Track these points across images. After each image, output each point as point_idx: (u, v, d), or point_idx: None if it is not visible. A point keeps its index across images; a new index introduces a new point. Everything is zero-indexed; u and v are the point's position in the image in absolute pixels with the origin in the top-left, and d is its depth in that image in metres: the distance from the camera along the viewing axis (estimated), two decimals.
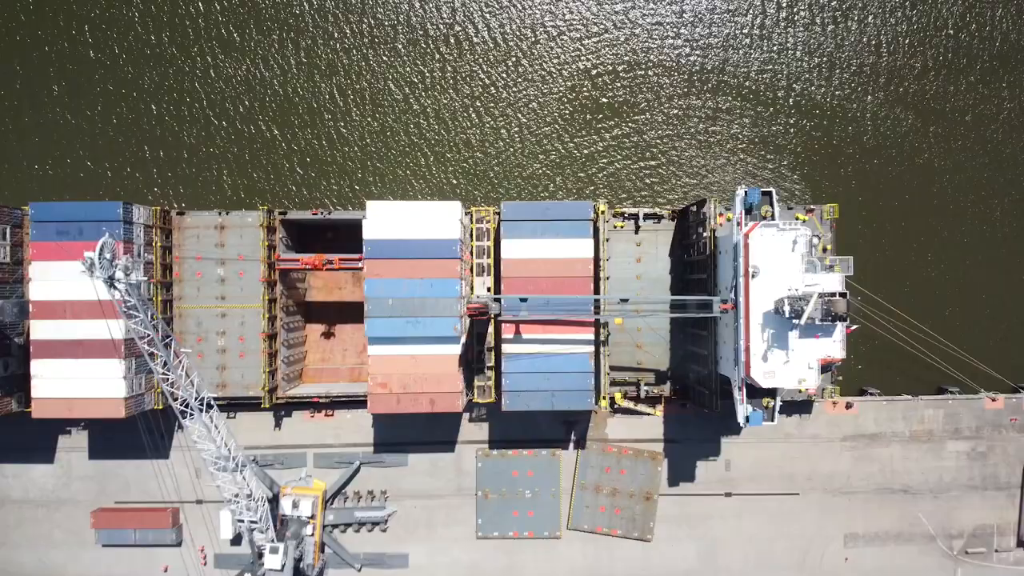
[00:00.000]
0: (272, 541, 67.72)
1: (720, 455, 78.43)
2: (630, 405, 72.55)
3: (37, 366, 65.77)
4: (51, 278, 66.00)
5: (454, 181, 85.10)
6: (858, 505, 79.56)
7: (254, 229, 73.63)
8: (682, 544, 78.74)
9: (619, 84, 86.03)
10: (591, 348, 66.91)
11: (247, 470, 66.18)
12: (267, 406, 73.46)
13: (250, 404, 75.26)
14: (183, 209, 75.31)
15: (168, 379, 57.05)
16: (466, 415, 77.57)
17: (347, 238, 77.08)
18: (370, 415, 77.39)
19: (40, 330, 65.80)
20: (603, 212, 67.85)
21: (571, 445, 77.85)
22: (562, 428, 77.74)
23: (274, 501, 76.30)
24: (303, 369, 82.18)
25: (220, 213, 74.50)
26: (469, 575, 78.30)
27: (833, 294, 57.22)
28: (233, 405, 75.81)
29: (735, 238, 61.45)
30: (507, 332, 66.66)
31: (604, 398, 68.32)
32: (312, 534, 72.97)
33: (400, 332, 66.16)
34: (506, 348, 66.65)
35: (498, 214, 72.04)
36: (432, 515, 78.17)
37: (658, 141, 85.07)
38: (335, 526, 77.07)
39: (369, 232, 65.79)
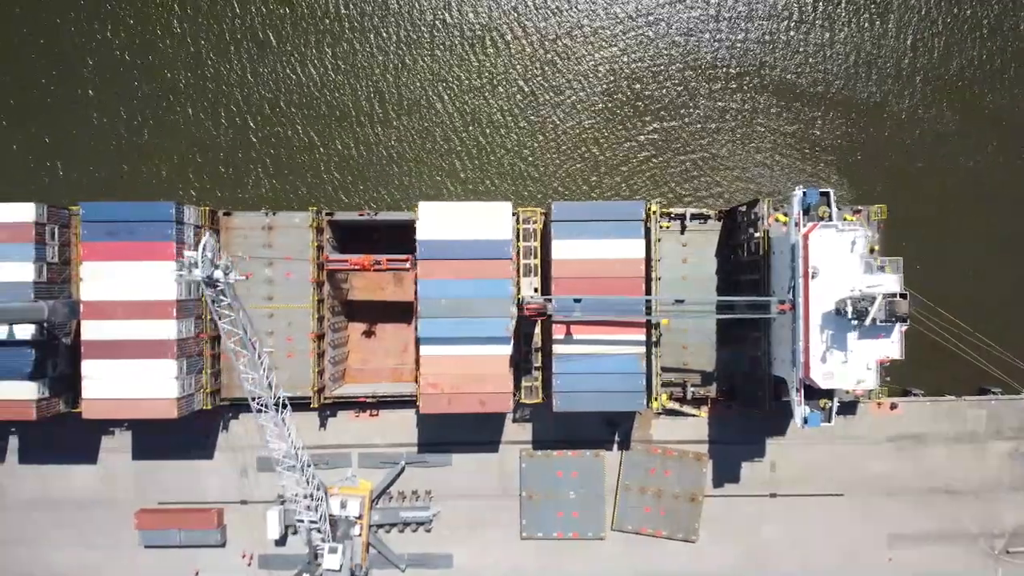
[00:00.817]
0: (329, 541, 67.58)
1: (765, 456, 78.27)
2: (675, 406, 72.39)
3: (88, 366, 65.65)
4: (102, 278, 65.82)
5: (492, 183, 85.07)
6: (902, 506, 79.34)
7: (301, 230, 73.44)
8: (727, 545, 78.56)
9: (656, 84, 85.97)
10: (642, 349, 66.80)
11: (311, 469, 66.18)
12: (316, 406, 73.32)
13: (295, 404, 75.05)
14: (229, 210, 75.12)
15: (251, 378, 57.22)
16: (510, 415, 77.45)
17: (389, 239, 77.43)
18: (414, 415, 77.51)
19: (91, 330, 65.64)
20: (654, 212, 67.64)
21: (615, 446, 77.72)
22: (606, 429, 77.58)
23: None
24: (345, 369, 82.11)
25: (267, 213, 74.41)
26: None
27: (895, 295, 57.05)
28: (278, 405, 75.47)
29: (792, 239, 61.30)
30: (558, 333, 66.54)
31: (655, 399, 68.14)
32: (360, 534, 72.88)
33: (452, 332, 66.21)
34: (557, 349, 66.53)
35: (544, 214, 72.03)
36: (476, 516, 77.99)
37: (697, 141, 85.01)
38: (380, 526, 76.98)
39: (422, 233, 65.77)
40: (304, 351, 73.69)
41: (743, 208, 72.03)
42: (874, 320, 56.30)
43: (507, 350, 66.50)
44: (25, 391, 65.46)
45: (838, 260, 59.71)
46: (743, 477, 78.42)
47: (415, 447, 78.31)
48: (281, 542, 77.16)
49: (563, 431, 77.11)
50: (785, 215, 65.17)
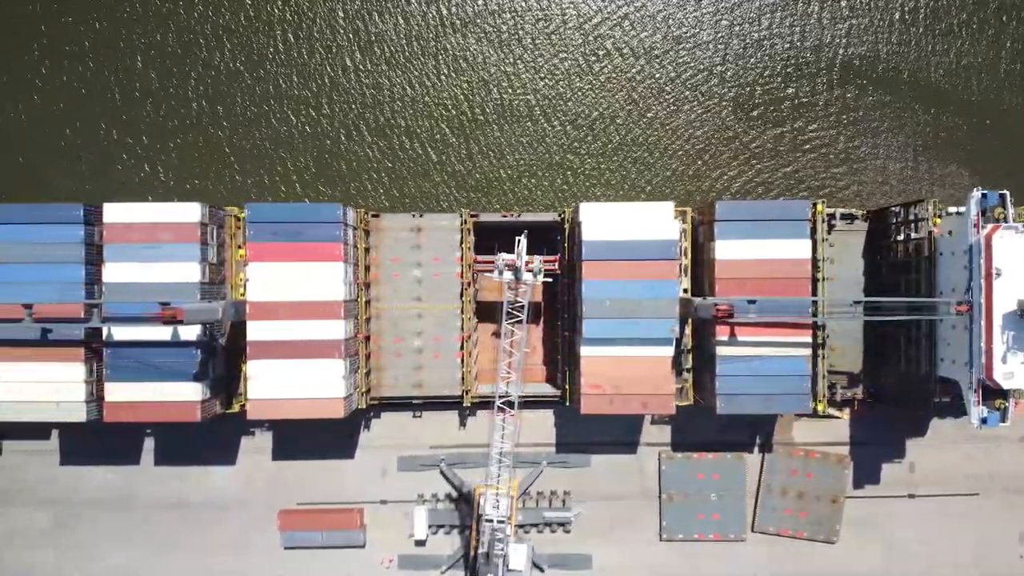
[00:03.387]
0: (509, 541, 67.45)
1: (905, 457, 78.14)
2: (832, 410, 72.25)
3: (254, 367, 65.55)
4: (268, 279, 65.80)
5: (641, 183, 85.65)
6: None
7: (449, 231, 73.52)
8: (865, 545, 78.44)
9: (780, 82, 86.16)
10: (808, 351, 66.63)
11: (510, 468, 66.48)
12: (468, 405, 73.40)
13: (443, 404, 75.45)
14: (378, 212, 75.19)
15: (512, 378, 59.16)
16: (648, 417, 77.37)
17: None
18: (552, 415, 77.60)
19: (257, 331, 65.59)
20: (820, 211, 67.43)
21: (756, 448, 77.60)
22: (746, 431, 77.50)
23: (463, 500, 76.41)
24: (479, 370, 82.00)
25: (414, 215, 74.49)
26: None
27: None
28: (414, 405, 76.46)
29: (971, 239, 61.12)
30: (721, 334, 66.32)
31: (821, 401, 67.94)
32: (510, 534, 72.74)
33: (615, 333, 66.02)
34: (721, 351, 66.31)
35: (694, 215, 71.93)
36: (615, 517, 77.90)
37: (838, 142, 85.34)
38: (521, 526, 76.89)
39: (587, 234, 65.60)
40: (451, 351, 73.80)
41: (896, 208, 71.82)
42: None
43: (669, 351, 66.32)
44: (190, 392, 65.35)
45: (1020, 261, 59.53)
46: (882, 478, 78.32)
47: (553, 447, 78.28)
48: (421, 543, 77.23)
49: (703, 433, 77.03)
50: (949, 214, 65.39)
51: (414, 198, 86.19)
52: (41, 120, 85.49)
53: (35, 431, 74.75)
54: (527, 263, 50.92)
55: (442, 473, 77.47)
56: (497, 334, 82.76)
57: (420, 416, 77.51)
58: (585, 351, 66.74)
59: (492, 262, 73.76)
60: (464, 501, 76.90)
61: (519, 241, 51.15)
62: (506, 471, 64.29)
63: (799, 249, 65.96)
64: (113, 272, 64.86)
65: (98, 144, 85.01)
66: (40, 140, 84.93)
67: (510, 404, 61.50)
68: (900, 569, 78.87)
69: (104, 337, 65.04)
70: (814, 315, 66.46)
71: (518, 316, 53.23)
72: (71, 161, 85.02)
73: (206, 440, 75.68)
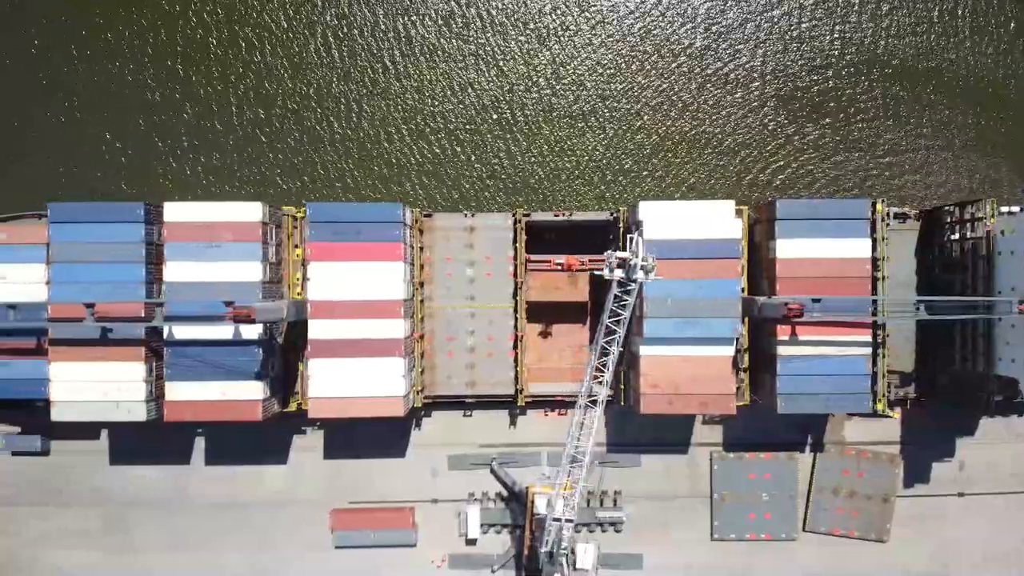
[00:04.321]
0: (575, 540, 67.49)
1: (955, 456, 78.18)
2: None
3: (314, 365, 65.51)
4: (329, 278, 65.76)
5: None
6: None
7: (501, 230, 73.52)
8: (915, 544, 78.40)
9: (826, 82, 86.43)
10: (868, 350, 66.70)
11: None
12: (522, 404, 73.43)
13: (496, 403, 75.51)
14: (429, 211, 75.15)
15: (604, 378, 59.05)
16: (699, 416, 77.34)
17: (561, 239, 77.59)
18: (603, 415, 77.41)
19: (318, 330, 65.53)
20: (881, 211, 67.49)
21: (807, 448, 77.63)
22: (798, 431, 77.50)
23: (513, 499, 76.33)
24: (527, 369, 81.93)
25: (466, 214, 74.44)
26: None
27: None
28: (465, 404, 76.38)
29: None
30: (783, 334, 66.35)
31: (881, 400, 67.99)
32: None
33: (677, 333, 66.01)
34: (782, 350, 66.34)
35: (750, 213, 71.97)
36: (666, 516, 77.80)
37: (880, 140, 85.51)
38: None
39: (649, 232, 65.40)
40: (504, 350, 73.79)
41: (951, 208, 71.91)
42: None
43: (730, 351, 66.43)
44: (252, 391, 65.32)
45: None
46: (932, 477, 78.37)
47: (604, 447, 78.17)
48: (472, 542, 77.17)
49: (754, 433, 77.00)
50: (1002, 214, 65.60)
51: (454, 200, 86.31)
52: (81, 121, 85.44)
53: (85, 431, 74.44)
54: (642, 260, 50.96)
55: (493, 472, 77.38)
56: (544, 334, 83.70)
57: (470, 415, 77.42)
58: (645, 351, 66.75)
59: (549, 260, 74.65)
60: (515, 500, 76.81)
61: (633, 239, 51.42)
62: (582, 470, 63.61)
63: (859, 248, 66.08)
64: (174, 271, 64.82)
65: (138, 146, 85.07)
66: (81, 142, 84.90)
67: (593, 403, 61.23)
68: (950, 568, 78.87)
69: (165, 336, 64.88)
70: (874, 314, 66.44)
71: (622, 315, 53.05)
72: (109, 162, 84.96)
73: (257, 439, 75.35)
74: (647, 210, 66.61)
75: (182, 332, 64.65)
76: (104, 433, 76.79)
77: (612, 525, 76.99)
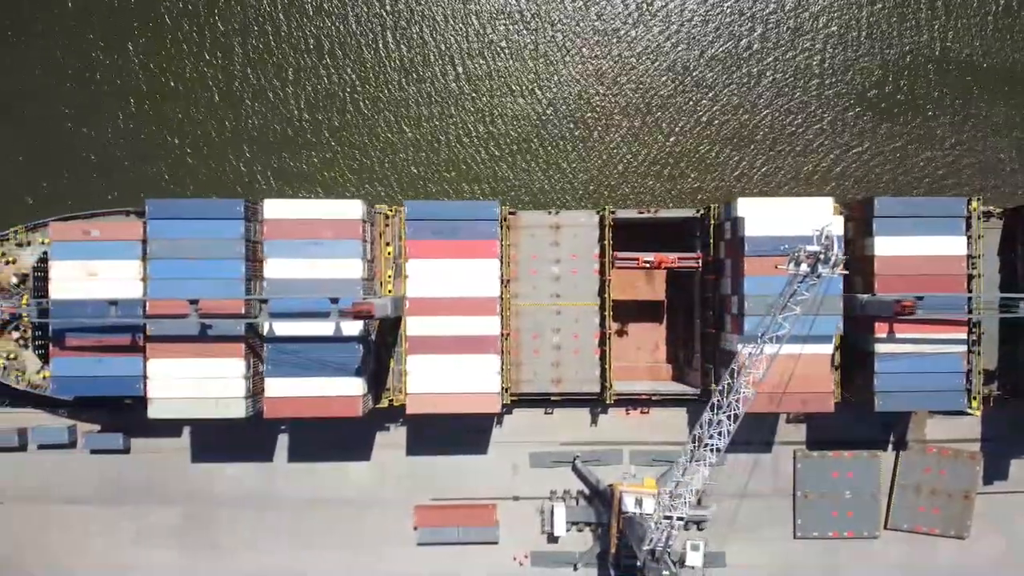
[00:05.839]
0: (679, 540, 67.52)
1: None
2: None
3: (412, 362, 65.60)
4: (426, 275, 65.84)
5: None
6: None
7: (586, 228, 73.59)
8: (995, 541, 78.71)
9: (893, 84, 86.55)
10: (963, 348, 66.84)
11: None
12: (611, 402, 73.46)
13: (580, 401, 75.66)
14: (514, 209, 75.06)
15: (756, 375, 58.96)
16: (783, 416, 77.41)
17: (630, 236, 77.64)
18: (685, 413, 77.47)
19: (415, 327, 65.60)
20: (976, 209, 67.63)
21: (890, 446, 77.78)
22: (880, 429, 77.66)
23: (596, 497, 76.35)
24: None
25: (551, 212, 74.46)
26: (787, 575, 78.20)
27: None
28: (548, 402, 76.22)
29: None
30: (880, 332, 66.46)
31: (975, 398, 68.12)
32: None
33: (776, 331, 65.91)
34: (880, 348, 66.46)
35: (842, 211, 71.91)
36: (749, 514, 77.92)
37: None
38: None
39: (750, 229, 65.67)
40: (589, 348, 73.86)
41: None
42: None
43: (830, 349, 66.55)
44: (353, 387, 65.35)
45: None
46: (1011, 474, 78.58)
47: (603, 447, 77.89)
48: (553, 539, 77.20)
49: (837, 432, 77.06)
50: None
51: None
52: (149, 121, 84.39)
53: (167, 428, 74.61)
54: (833, 256, 50.94)
55: (575, 470, 77.45)
56: (621, 332, 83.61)
57: (552, 413, 77.46)
58: (743, 349, 66.59)
59: (636, 259, 74.47)
60: (598, 498, 76.84)
61: (823, 233, 51.32)
62: (704, 468, 63.93)
63: (956, 245, 66.36)
64: (274, 268, 64.79)
65: (205, 147, 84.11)
66: (144, 142, 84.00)
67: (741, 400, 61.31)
68: None
69: (265, 332, 64.83)
70: (969, 311, 66.60)
71: (794, 311, 52.91)
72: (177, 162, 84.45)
73: (340, 436, 75.46)
74: (746, 206, 66.65)
75: (282, 328, 64.60)
76: (186, 431, 76.81)
77: (696, 523, 76.99)
